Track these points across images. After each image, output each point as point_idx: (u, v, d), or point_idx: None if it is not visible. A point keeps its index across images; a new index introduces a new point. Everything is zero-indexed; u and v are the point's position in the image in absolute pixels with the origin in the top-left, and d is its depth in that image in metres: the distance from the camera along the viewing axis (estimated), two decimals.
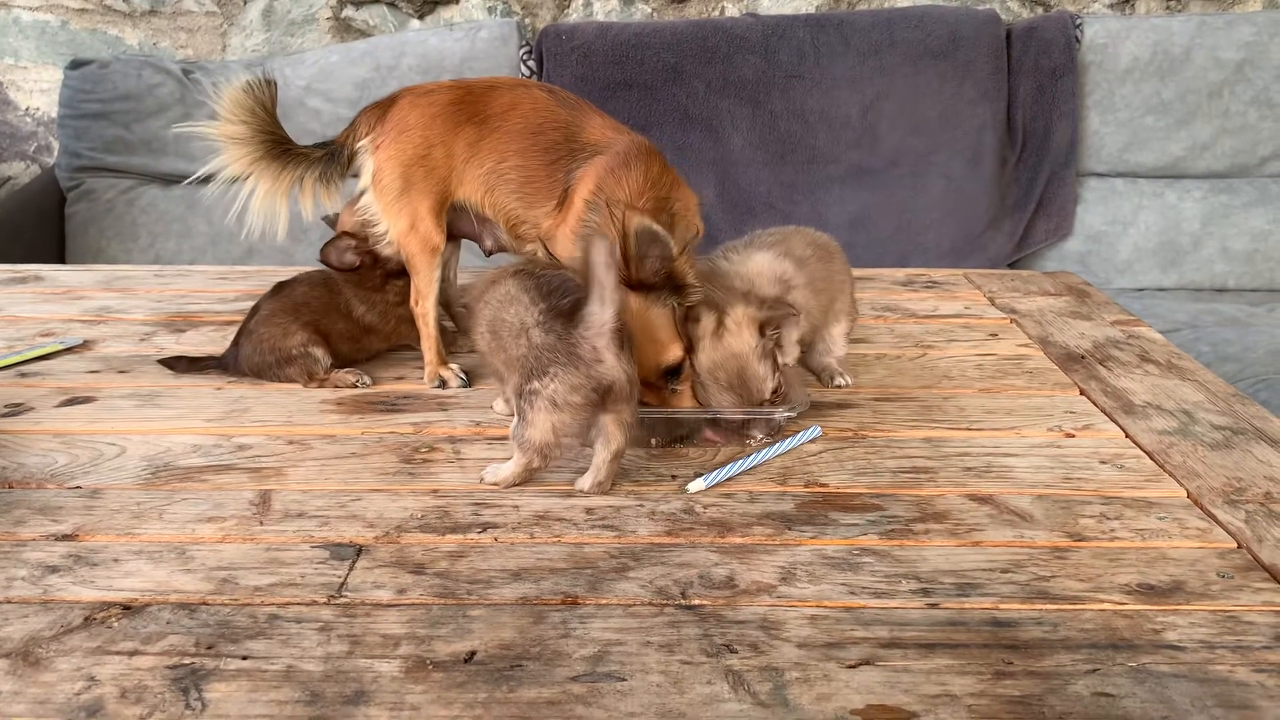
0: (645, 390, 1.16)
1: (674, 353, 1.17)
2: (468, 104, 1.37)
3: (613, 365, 1.03)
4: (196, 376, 1.40)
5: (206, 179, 1.39)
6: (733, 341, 1.17)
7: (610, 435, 1.07)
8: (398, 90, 1.42)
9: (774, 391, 1.18)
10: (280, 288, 1.42)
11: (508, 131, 1.35)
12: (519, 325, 1.07)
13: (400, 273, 1.41)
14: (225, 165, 1.37)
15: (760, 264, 1.26)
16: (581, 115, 1.36)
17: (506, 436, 1.20)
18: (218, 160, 1.37)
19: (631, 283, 1.14)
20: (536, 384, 1.04)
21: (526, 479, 1.11)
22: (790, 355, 1.22)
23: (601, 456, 1.08)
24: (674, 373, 1.18)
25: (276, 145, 1.38)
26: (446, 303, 1.53)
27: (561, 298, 1.06)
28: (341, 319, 1.41)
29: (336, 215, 1.44)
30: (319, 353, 1.37)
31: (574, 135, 1.34)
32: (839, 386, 1.35)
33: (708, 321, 1.18)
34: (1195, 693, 0.79)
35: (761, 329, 1.16)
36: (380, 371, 1.43)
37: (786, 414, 1.19)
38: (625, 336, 1.05)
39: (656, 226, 1.13)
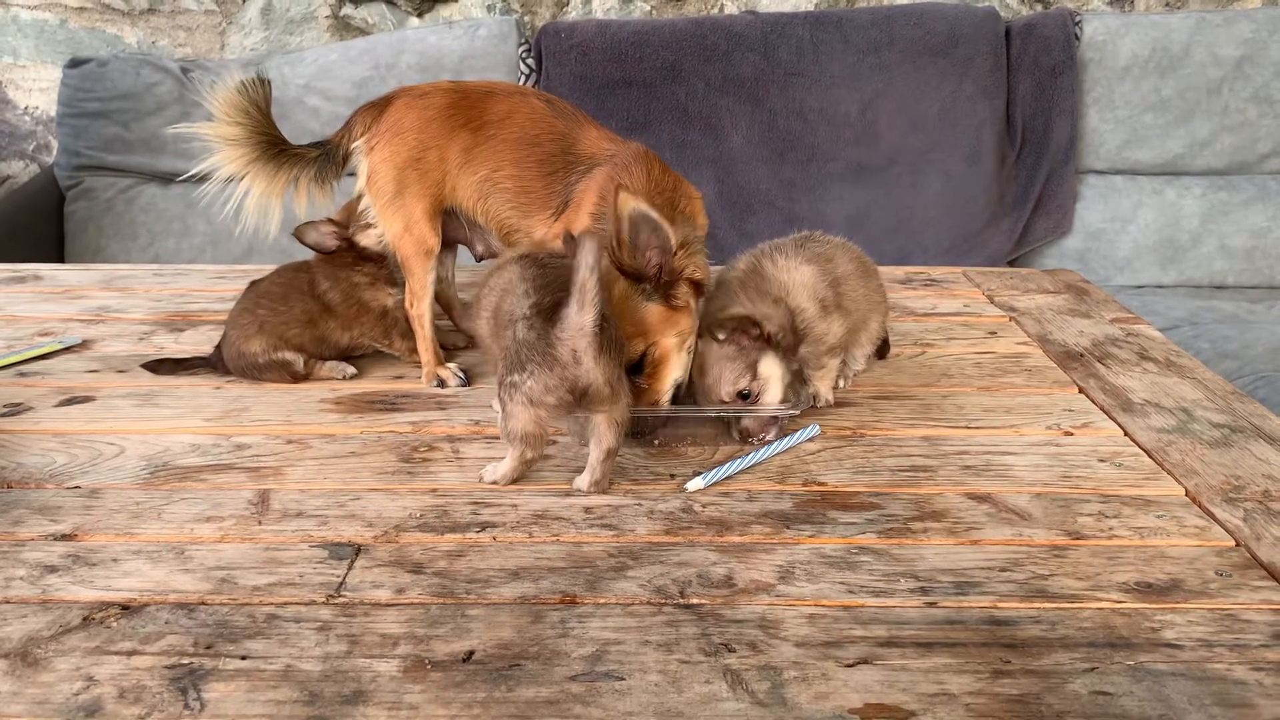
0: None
1: (637, 347, 1.17)
2: (464, 109, 1.36)
3: (590, 368, 1.03)
4: (194, 376, 1.40)
5: (203, 177, 1.38)
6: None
7: (602, 434, 1.07)
8: (393, 90, 1.42)
9: (742, 396, 1.18)
10: (251, 286, 1.42)
11: (504, 140, 1.35)
12: (509, 317, 1.08)
13: (374, 259, 1.40)
14: (220, 166, 1.37)
15: (806, 277, 1.24)
16: (578, 127, 1.36)
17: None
18: (212, 160, 1.37)
19: (623, 269, 1.15)
20: (517, 377, 1.04)
21: (523, 471, 1.11)
22: (771, 387, 1.20)
23: (595, 455, 1.08)
24: (635, 367, 1.18)
25: (271, 145, 1.37)
26: (446, 303, 1.53)
27: (554, 294, 1.06)
28: (301, 300, 1.38)
29: (308, 223, 1.40)
30: (287, 356, 1.37)
31: (570, 147, 1.34)
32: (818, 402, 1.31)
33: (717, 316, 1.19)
34: (1193, 691, 0.79)
35: (713, 332, 1.17)
36: (378, 370, 1.43)
37: (788, 412, 1.19)
38: (609, 339, 1.04)
39: (653, 213, 1.13)
